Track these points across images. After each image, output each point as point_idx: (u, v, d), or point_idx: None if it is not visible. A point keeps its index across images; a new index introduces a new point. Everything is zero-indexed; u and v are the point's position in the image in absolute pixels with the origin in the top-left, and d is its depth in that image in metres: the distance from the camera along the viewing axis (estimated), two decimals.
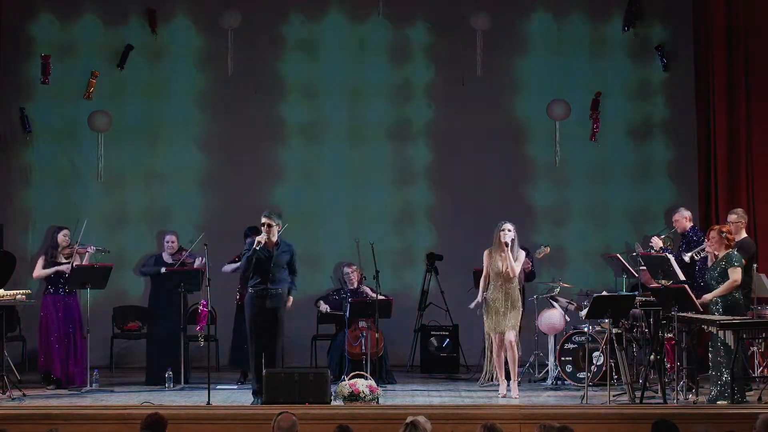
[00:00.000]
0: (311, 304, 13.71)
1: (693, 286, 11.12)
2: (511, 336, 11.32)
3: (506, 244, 11.27)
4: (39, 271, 11.87)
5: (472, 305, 11.56)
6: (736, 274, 10.52)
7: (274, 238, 11.01)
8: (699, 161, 13.76)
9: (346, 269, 12.86)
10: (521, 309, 11.50)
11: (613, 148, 14.32)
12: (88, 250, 11.92)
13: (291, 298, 11.21)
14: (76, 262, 11.82)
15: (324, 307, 12.86)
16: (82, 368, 11.86)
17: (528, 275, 12.49)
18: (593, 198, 14.34)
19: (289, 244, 11.19)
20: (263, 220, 11.00)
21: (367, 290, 12.65)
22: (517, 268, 11.38)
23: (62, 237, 11.92)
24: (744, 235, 11.34)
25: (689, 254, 11.76)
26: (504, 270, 11.31)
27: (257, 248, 10.87)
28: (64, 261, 11.84)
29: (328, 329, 13.34)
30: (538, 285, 12.92)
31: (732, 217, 11.34)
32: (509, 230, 11.36)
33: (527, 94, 14.37)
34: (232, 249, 12.43)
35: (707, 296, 10.63)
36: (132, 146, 14.31)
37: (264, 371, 10.71)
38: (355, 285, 12.76)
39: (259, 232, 11.11)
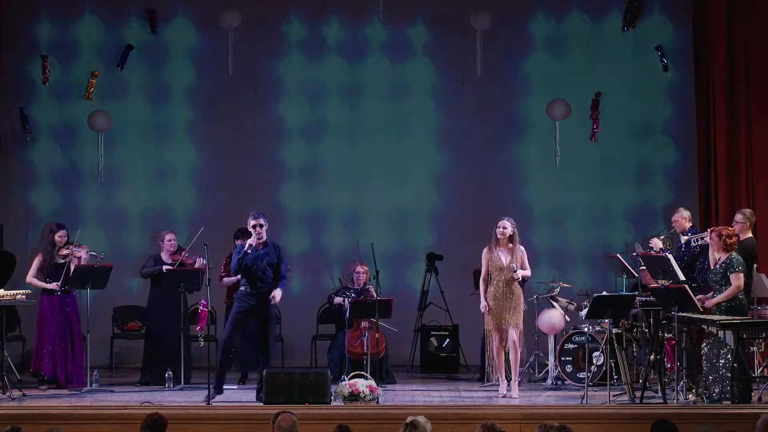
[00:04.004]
0: (311, 304, 13.73)
1: (693, 286, 11.12)
2: (515, 335, 11.28)
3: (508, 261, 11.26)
4: (30, 277, 11.84)
5: (484, 309, 11.46)
6: (738, 280, 10.50)
7: (263, 239, 11.05)
8: (699, 161, 13.75)
9: (359, 269, 12.79)
10: (523, 307, 11.47)
11: (613, 148, 14.31)
12: (83, 254, 11.90)
13: (279, 292, 11.13)
14: (73, 263, 11.82)
15: (338, 300, 12.73)
16: (80, 369, 11.86)
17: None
18: (593, 198, 14.34)
19: (277, 245, 11.23)
20: (253, 222, 11.03)
21: (372, 292, 12.56)
22: (527, 271, 11.39)
23: (58, 238, 11.90)
24: (749, 235, 11.35)
25: (686, 237, 11.76)
26: (507, 265, 11.27)
27: (249, 251, 10.93)
28: (60, 261, 11.83)
29: (329, 329, 13.33)
30: (538, 285, 12.91)
31: (738, 217, 11.38)
32: (504, 227, 11.34)
33: (527, 94, 14.36)
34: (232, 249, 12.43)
35: (709, 302, 10.62)
36: (132, 146, 14.32)
37: (264, 371, 10.75)
38: (362, 285, 12.74)
39: (247, 234, 11.19)
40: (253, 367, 11.81)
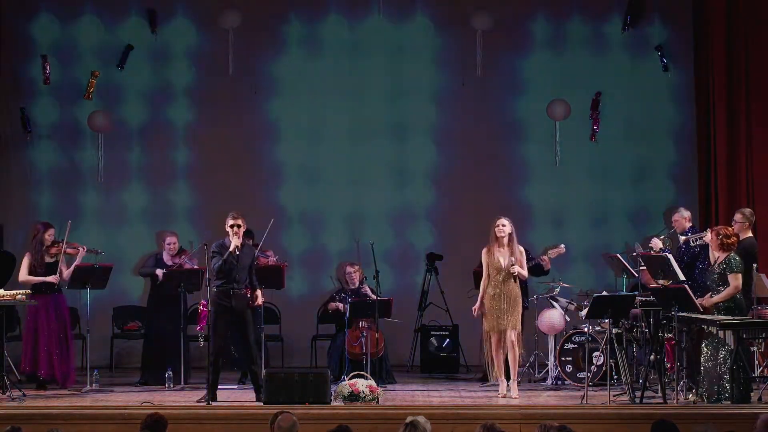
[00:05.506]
0: (311, 304, 13.73)
1: (693, 286, 11.12)
2: (513, 335, 11.26)
3: (512, 269, 11.21)
4: (25, 276, 11.77)
5: (475, 313, 11.45)
6: (736, 281, 10.49)
7: (240, 239, 11.06)
8: (699, 161, 13.76)
9: (349, 269, 12.82)
10: (522, 307, 11.45)
11: (613, 148, 14.32)
12: (80, 249, 11.89)
13: (259, 293, 11.22)
14: (65, 263, 11.81)
15: (334, 305, 12.72)
16: (72, 368, 11.86)
17: (545, 272, 12.55)
18: (593, 198, 14.34)
19: (251, 246, 11.23)
20: (232, 222, 10.97)
21: (368, 291, 12.61)
22: (524, 270, 11.37)
23: (48, 237, 11.88)
24: (749, 235, 11.34)
25: (685, 237, 11.77)
26: (506, 266, 11.25)
27: (236, 252, 10.92)
28: (50, 260, 11.79)
29: (329, 329, 13.33)
30: (538, 285, 12.92)
31: (737, 217, 11.36)
32: (503, 225, 11.32)
33: (527, 94, 14.36)
34: None
35: (706, 302, 10.62)
36: (132, 146, 14.33)
37: (264, 372, 10.76)
38: (357, 285, 12.74)
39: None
40: (244, 366, 11.82)
